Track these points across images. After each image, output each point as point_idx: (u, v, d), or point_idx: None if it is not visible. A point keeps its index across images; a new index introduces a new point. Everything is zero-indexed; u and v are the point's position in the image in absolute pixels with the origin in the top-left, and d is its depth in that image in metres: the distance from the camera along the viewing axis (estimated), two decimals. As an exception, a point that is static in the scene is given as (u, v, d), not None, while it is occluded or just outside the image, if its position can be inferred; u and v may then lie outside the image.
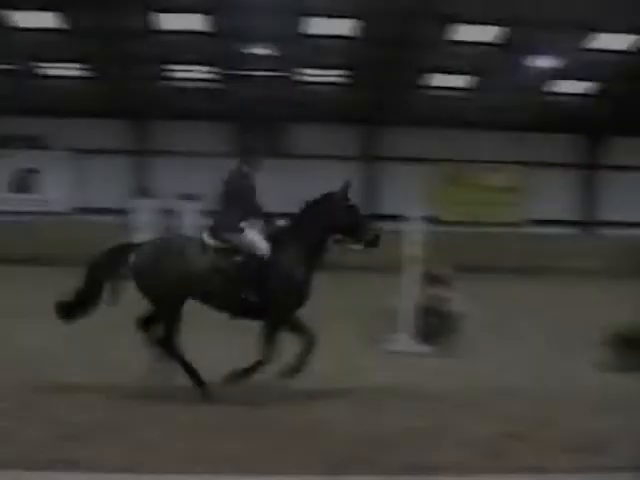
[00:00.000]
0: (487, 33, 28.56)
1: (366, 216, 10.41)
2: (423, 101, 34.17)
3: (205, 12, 27.49)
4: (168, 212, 31.32)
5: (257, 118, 34.05)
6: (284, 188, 34.98)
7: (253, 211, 9.82)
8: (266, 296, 9.51)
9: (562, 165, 36.63)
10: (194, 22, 28.28)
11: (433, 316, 13.27)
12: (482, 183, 36.57)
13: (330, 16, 27.42)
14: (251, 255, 9.53)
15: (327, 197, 10.06)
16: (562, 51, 29.34)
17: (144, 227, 29.04)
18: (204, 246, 9.59)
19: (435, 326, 13.19)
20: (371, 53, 29.61)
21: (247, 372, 9.42)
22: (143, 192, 34.68)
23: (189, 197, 30.40)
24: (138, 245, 9.89)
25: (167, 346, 9.41)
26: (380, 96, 33.51)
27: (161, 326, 9.55)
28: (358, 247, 10.08)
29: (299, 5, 26.85)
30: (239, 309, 9.68)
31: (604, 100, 34.20)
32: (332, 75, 32.86)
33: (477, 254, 31.64)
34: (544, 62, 30.35)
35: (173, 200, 31.83)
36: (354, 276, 27.08)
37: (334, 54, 30.09)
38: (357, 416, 8.80)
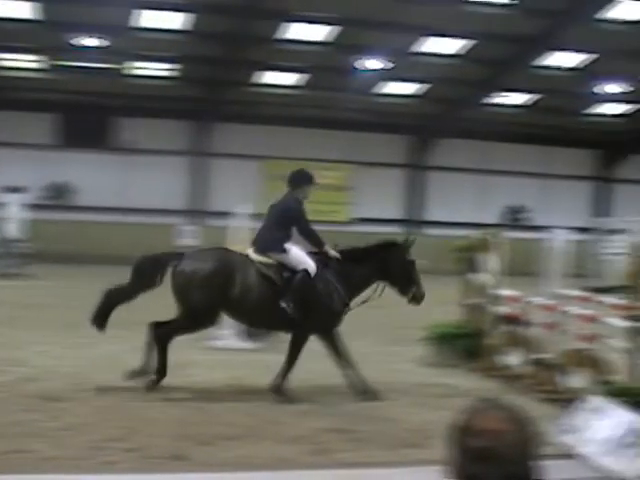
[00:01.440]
0: (319, 32, 28.83)
1: (418, 274, 10.72)
2: (253, 98, 34.24)
3: (34, 0, 26.70)
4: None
5: (85, 110, 33.43)
6: (112, 182, 34.58)
7: (304, 233, 10.36)
8: (307, 312, 9.90)
9: (390, 165, 37.38)
10: (22, 10, 27.40)
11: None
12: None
13: (161, 9, 27.11)
14: (298, 271, 9.94)
15: (393, 245, 10.75)
16: (392, 53, 29.91)
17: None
18: (249, 261, 10.00)
19: None
20: (202, 48, 29.44)
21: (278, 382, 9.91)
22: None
23: (15, 190, 29.47)
24: (182, 254, 10.16)
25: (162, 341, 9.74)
26: (210, 92, 33.38)
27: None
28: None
29: (130, -4, 26.49)
30: (276, 323, 10.19)
31: (432, 102, 35.16)
32: (162, 69, 32.50)
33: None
34: (374, 63, 30.89)
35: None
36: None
37: (165, 48, 29.77)
38: (181, 412, 8.78)
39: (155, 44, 29.27)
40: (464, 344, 12.29)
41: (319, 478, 4.25)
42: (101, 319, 9.92)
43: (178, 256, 10.08)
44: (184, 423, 8.29)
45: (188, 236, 33.83)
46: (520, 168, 37.95)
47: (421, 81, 33.53)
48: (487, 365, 11.93)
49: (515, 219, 37.72)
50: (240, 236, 13.43)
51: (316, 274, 10.02)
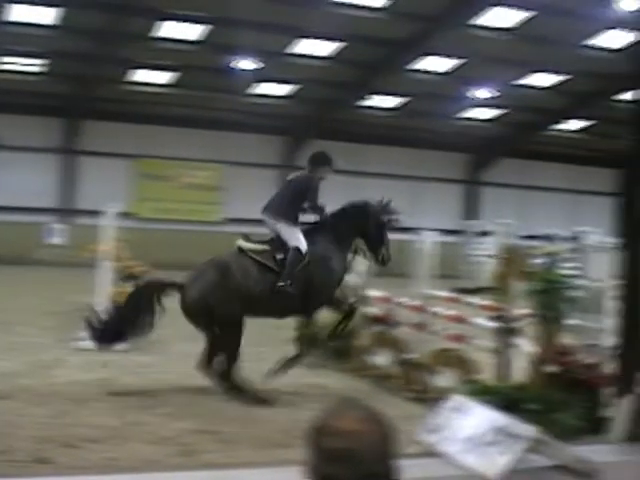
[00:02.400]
0: (191, 31, 28.61)
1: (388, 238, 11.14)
2: (125, 96, 33.78)
3: None
4: None
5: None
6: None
7: (314, 209, 10.89)
8: (306, 289, 10.29)
9: (262, 165, 37.38)
10: None
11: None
12: (182, 180, 36.59)
13: (32, 3, 26.46)
14: (290, 249, 10.34)
15: (367, 206, 11.24)
16: (265, 53, 29.92)
17: None
18: (241, 254, 10.41)
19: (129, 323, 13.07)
20: (73, 44, 28.85)
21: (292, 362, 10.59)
22: None
23: None
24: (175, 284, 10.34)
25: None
26: (81, 88, 32.75)
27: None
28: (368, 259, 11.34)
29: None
30: (285, 309, 10.58)
31: (304, 103, 35.32)
32: (31, 64, 31.75)
33: (175, 251, 31.66)
34: (247, 63, 30.82)
35: None
36: (49, 272, 26.38)
37: (34, 42, 29.06)
38: (45, 414, 8.57)
39: (24, 39, 28.54)
40: (334, 344, 12.34)
41: (183, 479, 4.18)
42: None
43: (174, 286, 10.27)
44: (48, 425, 8.09)
45: (57, 235, 33.21)
46: (391, 170, 38.43)
47: (294, 82, 33.65)
48: (357, 365, 12.02)
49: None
50: (109, 235, 13.20)
51: (307, 251, 10.40)
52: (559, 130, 39.31)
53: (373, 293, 12.31)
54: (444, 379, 10.10)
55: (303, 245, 10.42)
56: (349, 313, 10.90)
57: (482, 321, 10.04)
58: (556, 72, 32.32)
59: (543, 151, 39.98)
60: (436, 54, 30.53)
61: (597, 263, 9.62)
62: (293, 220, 10.61)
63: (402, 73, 31.75)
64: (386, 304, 12.13)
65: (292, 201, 10.70)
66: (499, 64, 30.83)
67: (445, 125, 37.44)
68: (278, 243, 10.45)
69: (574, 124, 38.88)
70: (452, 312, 10.89)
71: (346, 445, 2.52)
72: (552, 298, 8.84)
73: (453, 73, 32.16)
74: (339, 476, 2.51)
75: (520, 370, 9.02)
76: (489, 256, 22.62)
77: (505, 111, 36.86)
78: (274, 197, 11.01)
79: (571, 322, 9.29)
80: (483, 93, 33.98)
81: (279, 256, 10.32)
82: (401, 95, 35.06)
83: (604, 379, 8.13)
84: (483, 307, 10.35)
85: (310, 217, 10.98)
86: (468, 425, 4.38)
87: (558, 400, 8.49)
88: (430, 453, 4.40)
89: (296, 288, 10.22)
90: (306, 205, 10.78)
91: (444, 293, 11.56)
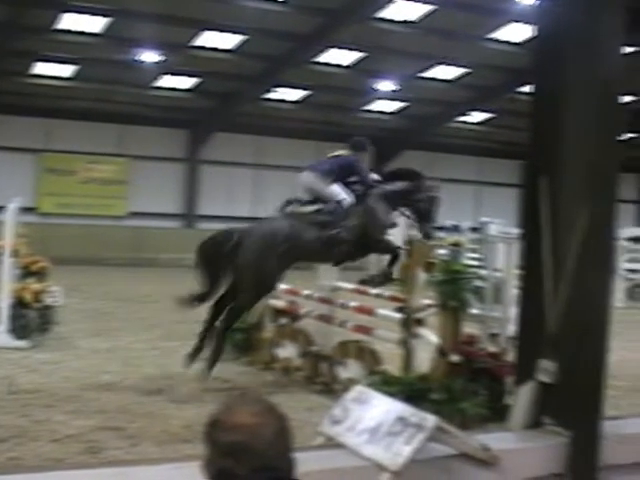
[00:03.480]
0: (93, 23, 28.12)
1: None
2: (26, 89, 33.06)
3: None
4: None
5: None
6: None
7: (366, 183, 11.39)
8: (358, 235, 10.98)
9: (167, 159, 36.97)
10: None
11: (29, 309, 12.92)
12: (86, 175, 36.03)
13: None
14: (336, 202, 11.01)
15: (420, 177, 11.72)
16: (168, 46, 29.61)
17: None
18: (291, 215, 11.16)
19: (31, 320, 12.87)
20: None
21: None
22: None
23: None
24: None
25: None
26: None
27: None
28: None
29: None
30: (340, 255, 11.07)
31: (208, 96, 35.09)
32: None
33: (79, 246, 31.24)
34: (150, 56, 30.45)
35: None
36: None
37: None
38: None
39: None
40: (241, 338, 12.32)
41: (86, 477, 4.11)
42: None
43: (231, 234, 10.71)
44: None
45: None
46: (296, 163, 38.28)
47: (197, 75, 33.38)
48: (264, 358, 12.01)
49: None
50: (10, 230, 12.93)
51: (355, 202, 11.12)
52: (462, 122, 39.78)
53: (280, 285, 12.30)
54: (350, 370, 10.15)
55: (347, 198, 11.06)
56: (396, 255, 11.25)
57: (387, 312, 10.12)
58: (459, 65, 32.69)
59: (447, 143, 40.44)
60: (340, 47, 30.59)
61: (500, 253, 9.76)
62: (328, 181, 11.18)
63: (306, 66, 31.74)
64: (292, 296, 12.13)
65: (339, 172, 11.24)
66: (402, 57, 31.04)
67: (349, 117, 37.58)
68: (322, 201, 11.09)
69: (477, 117, 39.41)
70: (357, 304, 10.95)
71: (240, 439, 2.52)
72: (455, 288, 8.96)
73: (357, 66, 32.29)
74: (233, 470, 2.52)
75: (425, 360, 9.11)
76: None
77: (408, 104, 37.16)
78: (319, 163, 11.68)
79: (474, 312, 9.42)
80: (387, 86, 34.18)
81: (326, 209, 10.98)
82: (305, 88, 35.07)
83: (507, 368, 8.27)
84: (388, 298, 10.43)
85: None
86: (370, 416, 4.40)
87: (462, 389, 8.62)
88: (332, 445, 4.41)
89: (349, 235, 10.88)
90: (355, 178, 11.37)
91: (349, 285, 11.62)
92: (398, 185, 11.49)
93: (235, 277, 10.52)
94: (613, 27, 5.77)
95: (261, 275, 10.41)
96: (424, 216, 11.60)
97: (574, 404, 5.48)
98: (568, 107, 5.57)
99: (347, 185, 11.22)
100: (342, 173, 11.25)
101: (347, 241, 10.90)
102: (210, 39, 29.80)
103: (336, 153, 11.62)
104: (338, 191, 11.09)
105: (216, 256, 10.45)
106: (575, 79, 5.59)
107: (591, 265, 5.46)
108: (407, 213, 11.73)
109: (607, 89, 5.68)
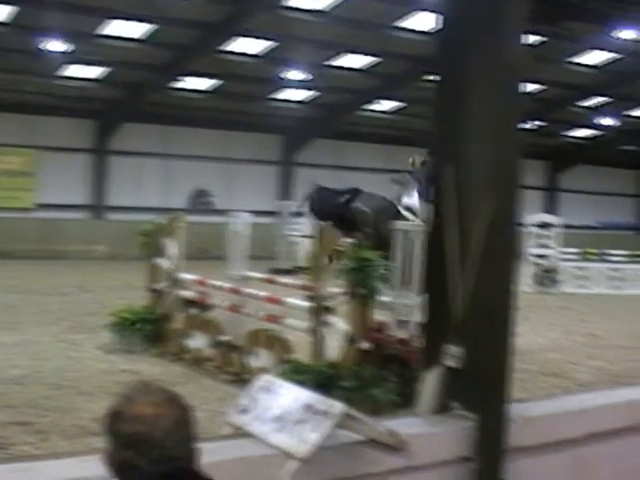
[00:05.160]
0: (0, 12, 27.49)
1: None
2: None
3: None
4: None
5: None
6: None
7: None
8: None
9: (74, 150, 36.39)
10: None
11: None
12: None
13: None
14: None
15: None
16: (75, 35, 29.11)
17: None
18: None
19: None
20: None
21: None
22: None
23: None
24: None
25: None
26: None
27: None
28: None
29: None
30: None
31: (115, 85, 34.64)
32: None
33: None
34: (56, 45, 29.88)
35: None
36: None
37: None
38: None
39: None
40: (150, 329, 12.23)
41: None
42: None
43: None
44: None
45: None
46: (205, 152, 38.19)
47: (105, 64, 32.88)
48: (174, 349, 11.94)
49: (200, 203, 37.91)
50: None
51: None
52: (372, 111, 39.98)
53: (188, 276, 12.24)
54: (260, 360, 10.15)
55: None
56: None
57: (297, 301, 10.14)
58: (368, 54, 32.82)
59: (356, 132, 40.59)
60: (249, 36, 30.45)
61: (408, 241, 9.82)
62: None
63: (215, 55, 31.53)
64: (201, 287, 12.08)
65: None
66: (312, 46, 31.05)
67: (258, 107, 37.48)
68: None
69: (387, 105, 39.64)
70: (266, 293, 10.94)
71: (140, 429, 2.50)
72: (364, 276, 9.01)
73: (266, 55, 32.19)
74: (133, 461, 2.49)
75: (335, 348, 9.16)
76: (303, 236, 22.90)
77: (318, 92, 37.21)
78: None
79: (384, 299, 9.50)
80: (296, 75, 34.17)
81: None
82: (213, 77, 34.82)
83: (416, 354, 8.34)
84: (297, 287, 10.46)
85: None
86: (277, 404, 4.41)
87: (372, 376, 8.69)
88: (240, 434, 4.40)
89: None
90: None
91: (259, 274, 11.61)
92: None
93: None
94: (516, 16, 5.85)
95: None
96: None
97: (481, 388, 5.57)
98: (471, 95, 5.64)
99: None
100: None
101: None
102: (118, 28, 29.38)
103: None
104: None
105: None
106: (478, 68, 5.66)
107: (495, 252, 5.55)
108: None
109: (510, 77, 5.77)
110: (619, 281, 27.06)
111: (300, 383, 5.22)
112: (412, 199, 12.97)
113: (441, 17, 6.05)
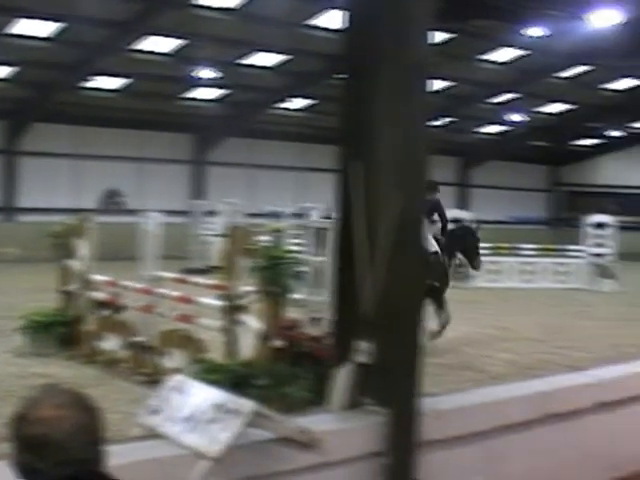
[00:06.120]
0: None
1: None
2: None
3: None
4: None
5: None
6: None
7: (443, 221, 14.27)
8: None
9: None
10: None
11: None
12: None
13: None
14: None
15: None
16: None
17: None
18: None
19: None
20: None
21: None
22: None
23: None
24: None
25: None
26: None
27: None
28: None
29: None
30: None
31: (24, 85, 34.05)
32: None
33: None
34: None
35: None
36: None
37: None
38: None
39: None
40: (62, 331, 12.07)
41: None
42: None
43: None
44: None
45: None
46: (116, 152, 37.73)
47: (12, 64, 32.30)
48: (86, 352, 11.79)
49: (112, 203, 37.48)
50: None
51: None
52: (283, 109, 40.00)
53: (99, 277, 12.10)
54: (173, 360, 10.10)
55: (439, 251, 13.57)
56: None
57: (209, 300, 10.11)
58: (279, 52, 32.83)
59: (268, 130, 40.54)
60: (159, 34, 30.21)
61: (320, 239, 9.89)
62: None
63: (125, 54, 31.20)
64: (112, 288, 11.96)
65: (429, 213, 13.13)
66: (222, 44, 30.96)
67: (169, 106, 37.20)
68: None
69: (298, 103, 39.71)
70: (179, 293, 10.89)
71: (40, 432, 2.49)
72: (276, 274, 9.03)
73: (177, 53, 31.97)
74: (35, 464, 2.48)
75: (248, 347, 9.16)
76: (216, 235, 22.84)
77: (229, 91, 37.09)
78: None
79: (296, 297, 9.53)
80: (207, 73, 34.00)
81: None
82: (124, 76, 34.42)
83: (328, 350, 8.40)
84: (210, 286, 10.43)
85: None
86: (188, 404, 4.40)
87: (285, 374, 8.70)
88: (152, 435, 4.38)
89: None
90: (436, 217, 14.00)
91: (171, 274, 11.54)
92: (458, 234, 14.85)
93: None
94: (422, 15, 5.92)
95: None
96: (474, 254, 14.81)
97: (391, 383, 5.63)
98: (378, 95, 5.70)
99: (432, 222, 13.64)
100: (430, 213, 13.29)
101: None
102: (26, 27, 28.86)
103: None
104: (431, 241, 13.17)
105: None
106: (384, 64, 5.72)
107: (404, 248, 5.61)
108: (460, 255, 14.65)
109: (416, 74, 5.84)
110: (530, 275, 27.61)
111: (214, 383, 5.22)
112: None
113: (347, 15, 6.10)
